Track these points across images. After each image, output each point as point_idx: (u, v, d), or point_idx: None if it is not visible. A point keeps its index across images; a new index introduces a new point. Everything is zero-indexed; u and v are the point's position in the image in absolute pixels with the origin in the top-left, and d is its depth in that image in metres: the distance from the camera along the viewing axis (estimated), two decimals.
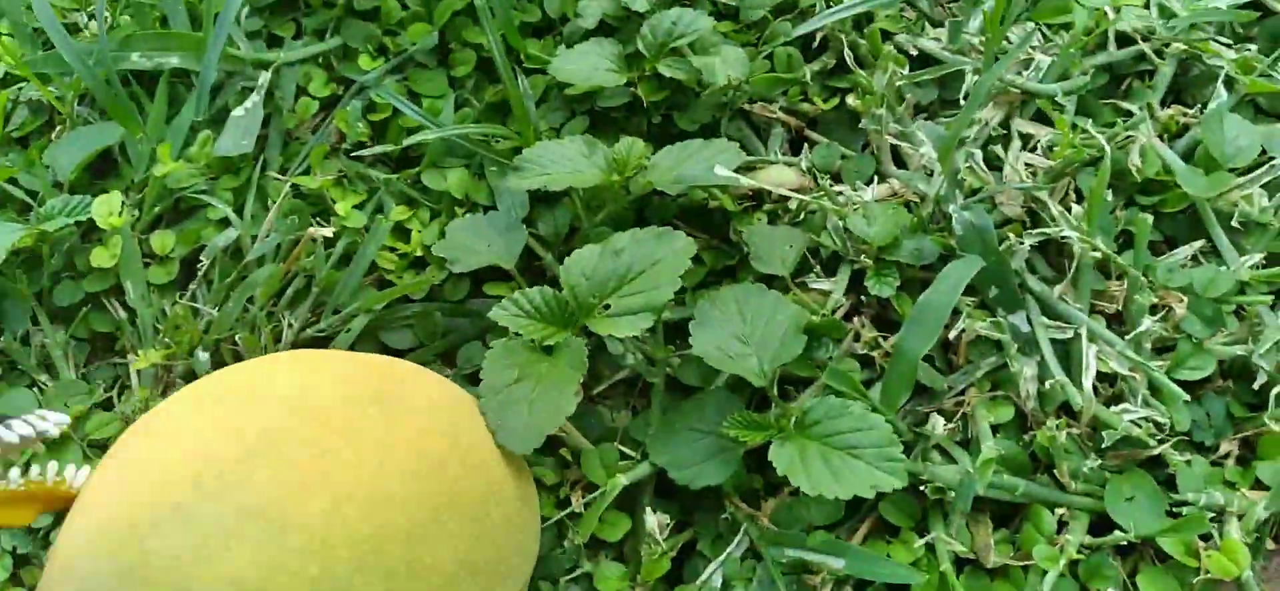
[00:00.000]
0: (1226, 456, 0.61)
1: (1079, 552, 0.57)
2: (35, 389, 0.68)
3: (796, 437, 0.55)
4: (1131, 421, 0.58)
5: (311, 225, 0.68)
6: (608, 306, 0.59)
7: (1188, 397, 0.60)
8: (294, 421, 0.46)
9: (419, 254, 0.70)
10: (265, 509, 0.42)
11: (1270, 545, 0.60)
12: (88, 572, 0.42)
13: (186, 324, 0.67)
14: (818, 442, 0.55)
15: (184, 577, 0.41)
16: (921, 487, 0.59)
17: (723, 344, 0.58)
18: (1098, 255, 0.63)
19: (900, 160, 0.71)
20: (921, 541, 0.58)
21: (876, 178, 0.70)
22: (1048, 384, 0.61)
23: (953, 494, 0.58)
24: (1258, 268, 0.64)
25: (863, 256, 0.65)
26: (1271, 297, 0.64)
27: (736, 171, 0.66)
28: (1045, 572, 0.56)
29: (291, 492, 0.43)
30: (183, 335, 0.67)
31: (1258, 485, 0.59)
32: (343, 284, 0.67)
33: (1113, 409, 0.60)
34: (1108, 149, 0.63)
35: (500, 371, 0.56)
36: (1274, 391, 0.61)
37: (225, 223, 0.71)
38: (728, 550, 0.59)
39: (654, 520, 0.59)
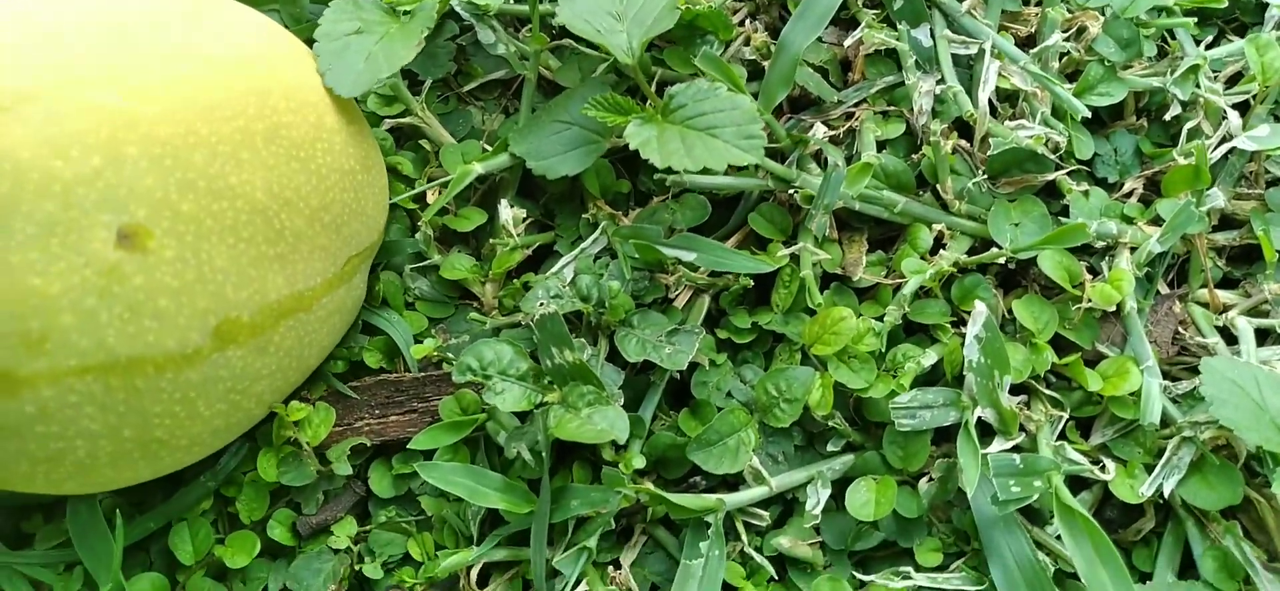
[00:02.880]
0: (1130, 194, 0.59)
1: (952, 268, 0.55)
2: None
3: (659, 120, 0.53)
4: (1026, 136, 0.55)
5: None
6: None
7: (1089, 116, 0.57)
8: (86, 22, 0.44)
9: None
10: (45, 95, 0.40)
11: (1164, 289, 0.57)
12: None
13: None
14: (680, 126, 0.52)
15: None
16: (792, 193, 0.56)
17: (592, 16, 0.54)
18: None
19: None
20: (786, 251, 0.55)
21: None
22: (941, 92, 0.57)
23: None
24: None
25: None
26: (1194, 24, 0.60)
27: None
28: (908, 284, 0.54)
29: (78, 81, 0.41)
30: None
31: (1157, 223, 0.56)
32: None
33: (1008, 125, 0.56)
34: None
35: (341, 22, 0.54)
36: (1186, 126, 0.58)
37: None
38: (583, 246, 0.57)
39: (508, 212, 0.57)
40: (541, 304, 0.53)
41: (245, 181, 0.44)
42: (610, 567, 0.52)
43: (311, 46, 0.53)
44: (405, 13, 0.55)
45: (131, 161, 0.41)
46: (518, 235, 0.57)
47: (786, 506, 0.53)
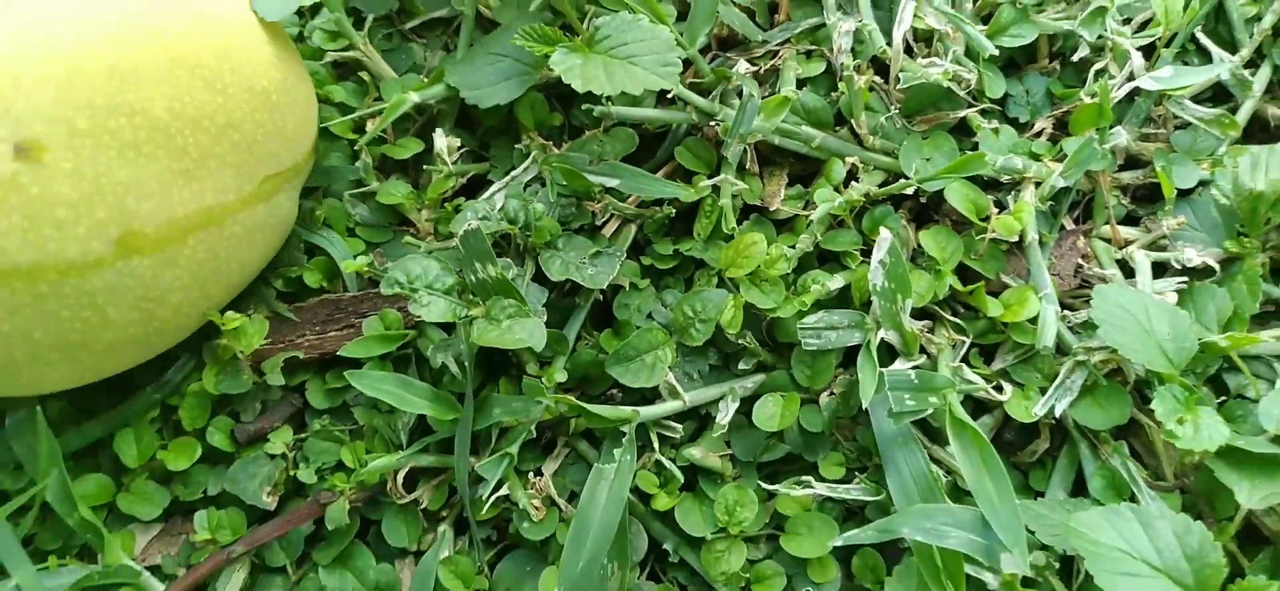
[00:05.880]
0: (1040, 134, 0.58)
1: (863, 199, 0.54)
2: None
3: (584, 50, 0.52)
4: (936, 72, 0.54)
5: None
6: None
7: (998, 55, 0.57)
8: None
9: None
10: None
11: (1069, 225, 0.57)
12: None
13: None
14: (603, 55, 0.52)
15: None
16: (716, 127, 0.55)
17: None
18: None
19: None
20: (708, 182, 0.55)
21: None
22: (860, 31, 0.57)
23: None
24: None
25: None
26: None
27: None
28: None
29: None
30: None
31: (1063, 160, 0.56)
32: None
33: (921, 63, 0.56)
34: None
35: None
36: (1094, 68, 0.58)
37: None
38: (514, 173, 0.56)
39: (443, 141, 0.57)
40: (469, 223, 0.53)
41: (144, 98, 0.44)
42: (532, 475, 0.52)
43: None
44: None
45: (29, 80, 0.41)
46: (452, 163, 0.57)
47: (701, 422, 0.53)
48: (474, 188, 0.59)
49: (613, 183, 0.54)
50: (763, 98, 0.57)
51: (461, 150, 0.58)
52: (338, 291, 0.56)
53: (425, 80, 0.59)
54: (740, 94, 0.57)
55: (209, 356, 0.54)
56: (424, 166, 0.58)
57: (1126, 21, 0.61)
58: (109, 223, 0.43)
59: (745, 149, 0.56)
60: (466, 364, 0.51)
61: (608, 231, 0.56)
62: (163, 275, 0.46)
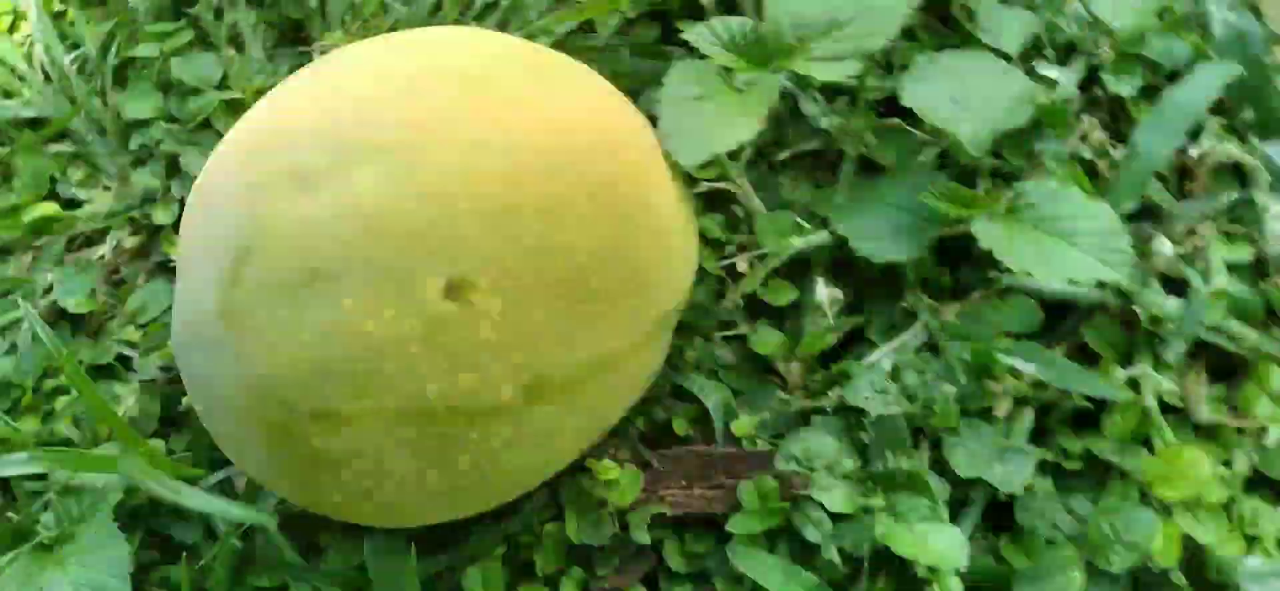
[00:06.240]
0: None
1: None
2: (220, 59, 0.67)
3: (1006, 219, 0.47)
4: None
5: None
6: (812, 50, 0.51)
7: None
8: (437, 77, 0.43)
9: None
10: (395, 147, 0.40)
11: None
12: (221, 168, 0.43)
13: (375, 18, 0.64)
14: (1030, 226, 0.47)
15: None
16: (1133, 307, 0.50)
17: (937, 101, 0.49)
18: None
19: None
20: (1125, 373, 0.49)
21: None
22: None
23: (1171, 325, 0.49)
24: None
25: (1103, 48, 0.56)
26: None
27: None
28: (1266, 430, 0.47)
29: (424, 136, 0.40)
30: (369, 29, 0.63)
31: None
32: (532, 3, 0.62)
33: None
34: None
35: (684, 85, 0.51)
36: None
37: None
38: (903, 337, 0.52)
39: (825, 291, 0.53)
40: (867, 398, 0.49)
41: (568, 239, 0.41)
42: None
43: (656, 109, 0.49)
44: (744, 84, 0.51)
45: (463, 215, 0.39)
46: (832, 317, 0.53)
47: None
48: (848, 342, 0.54)
49: (1025, 366, 0.49)
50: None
51: (839, 302, 0.54)
52: (700, 441, 0.52)
53: (805, 225, 0.55)
54: (1166, 281, 0.51)
55: (568, 499, 0.51)
56: (801, 318, 0.54)
57: None
58: (522, 368, 0.41)
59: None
60: (863, 560, 0.46)
61: (1000, 412, 0.50)
62: (559, 422, 0.44)
